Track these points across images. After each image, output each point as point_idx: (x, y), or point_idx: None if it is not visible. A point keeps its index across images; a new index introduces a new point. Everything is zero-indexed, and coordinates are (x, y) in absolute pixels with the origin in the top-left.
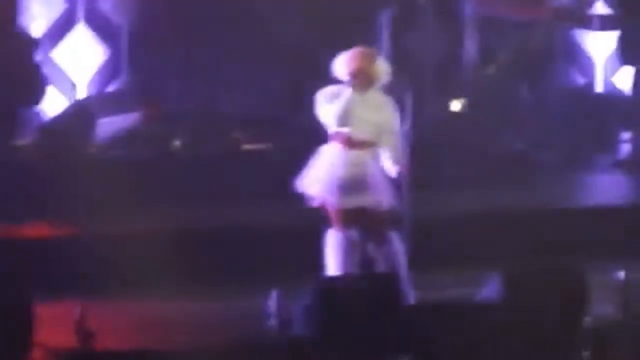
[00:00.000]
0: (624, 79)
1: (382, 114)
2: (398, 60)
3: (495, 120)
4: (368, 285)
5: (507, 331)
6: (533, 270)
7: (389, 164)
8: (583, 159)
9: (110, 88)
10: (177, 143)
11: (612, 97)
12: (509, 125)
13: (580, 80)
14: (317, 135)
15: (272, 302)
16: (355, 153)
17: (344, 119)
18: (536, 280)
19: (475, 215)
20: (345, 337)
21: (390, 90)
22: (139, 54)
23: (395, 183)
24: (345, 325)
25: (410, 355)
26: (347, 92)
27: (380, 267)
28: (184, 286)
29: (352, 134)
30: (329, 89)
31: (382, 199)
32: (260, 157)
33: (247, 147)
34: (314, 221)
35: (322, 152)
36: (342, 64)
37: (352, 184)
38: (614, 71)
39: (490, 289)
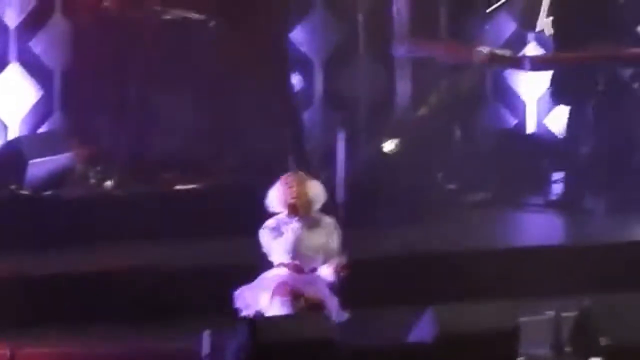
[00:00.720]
0: (555, 120)
1: (326, 237)
2: (331, 102)
3: (428, 161)
4: (301, 324)
5: None
6: (465, 310)
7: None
8: (514, 200)
9: (43, 128)
10: (109, 183)
11: (544, 137)
12: (441, 166)
13: (512, 121)
14: (246, 175)
15: (205, 342)
16: (303, 277)
17: (294, 251)
18: (468, 320)
19: (408, 256)
20: None
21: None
22: (71, 95)
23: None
24: None
25: None
26: (292, 224)
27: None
28: (115, 327)
29: (300, 263)
30: (270, 223)
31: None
32: (192, 197)
33: (178, 187)
34: (246, 260)
35: (265, 278)
36: (276, 198)
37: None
38: (546, 112)
39: (422, 330)
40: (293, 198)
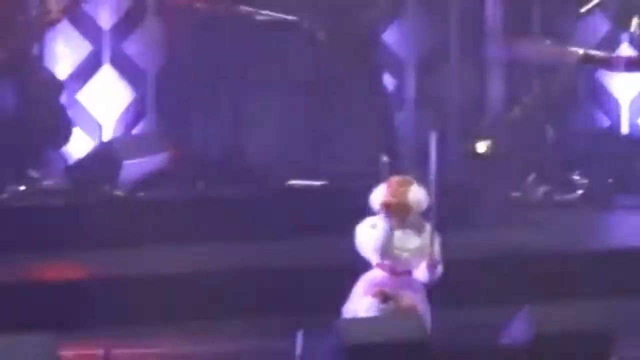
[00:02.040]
0: None
1: (421, 241)
2: (424, 103)
3: (521, 162)
4: (393, 326)
5: None
6: (561, 312)
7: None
8: (608, 201)
9: (136, 130)
10: (201, 184)
11: (637, 138)
12: (535, 167)
13: (606, 122)
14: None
15: (299, 342)
16: (400, 279)
17: (382, 251)
18: (564, 322)
19: (501, 257)
20: None
21: None
22: (164, 96)
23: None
24: None
25: None
26: (383, 224)
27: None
28: (211, 326)
29: (393, 265)
30: (367, 221)
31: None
32: (282, 197)
33: (269, 189)
34: (342, 262)
35: (364, 279)
36: (377, 197)
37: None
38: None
39: (516, 331)
40: (388, 197)
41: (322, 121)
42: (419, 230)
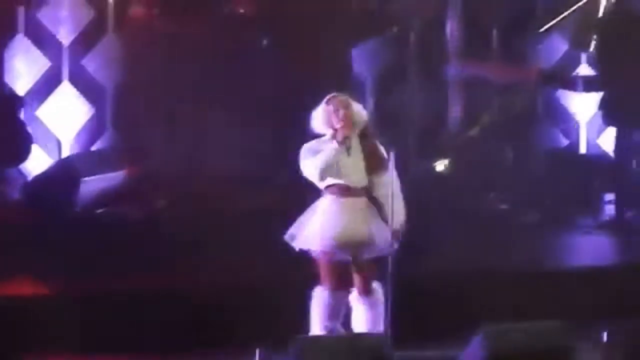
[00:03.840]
0: (608, 140)
1: (366, 160)
2: (382, 122)
3: (479, 181)
4: (351, 344)
5: None
6: (518, 332)
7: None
8: (566, 221)
9: (95, 146)
10: (162, 202)
11: (596, 158)
12: (493, 186)
13: (564, 142)
14: (303, 193)
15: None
16: (349, 201)
17: (330, 170)
18: (521, 342)
19: (458, 275)
20: None
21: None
22: (123, 112)
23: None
24: None
25: None
26: (330, 144)
27: (362, 318)
28: (171, 347)
29: (342, 184)
30: (311, 144)
31: (378, 245)
32: (244, 215)
33: (229, 206)
34: (299, 279)
35: (315, 206)
36: (320, 119)
37: (347, 233)
38: (598, 132)
39: (473, 351)
40: (339, 122)
41: (281, 137)
42: (362, 148)
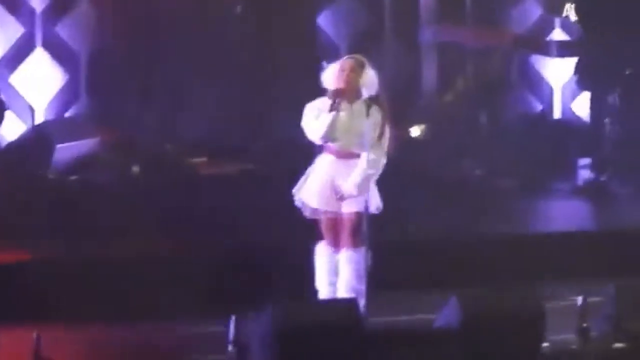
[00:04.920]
0: (582, 105)
1: (369, 123)
2: None
3: (454, 147)
4: (326, 310)
5: (464, 357)
6: (491, 296)
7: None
8: (541, 185)
9: (69, 113)
10: (135, 169)
11: (571, 123)
12: (468, 152)
13: (539, 107)
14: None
15: (231, 328)
16: (347, 162)
17: (333, 131)
18: (494, 306)
19: (434, 241)
20: None
21: None
22: (97, 79)
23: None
24: (304, 351)
25: None
26: (332, 106)
27: (347, 279)
28: (141, 311)
29: (341, 146)
30: (317, 103)
31: (370, 204)
32: (218, 182)
33: (204, 172)
34: (273, 246)
35: (316, 163)
36: (329, 77)
37: (327, 189)
38: (572, 97)
39: (447, 315)
40: (342, 83)
41: (255, 104)
42: (366, 113)
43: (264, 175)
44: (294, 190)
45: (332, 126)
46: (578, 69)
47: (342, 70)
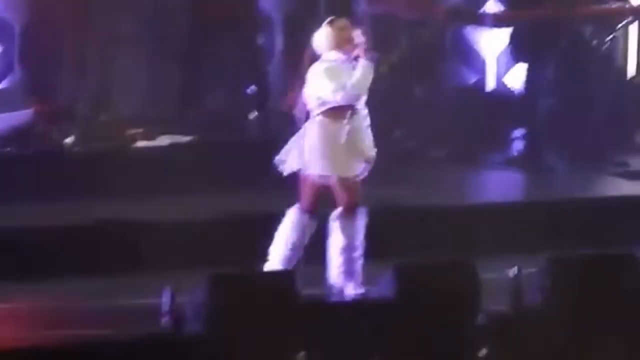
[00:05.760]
0: (515, 77)
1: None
2: (292, 59)
3: (387, 118)
4: (261, 281)
5: (400, 328)
6: (425, 268)
7: None
8: (474, 157)
9: (3, 84)
10: (68, 140)
11: (504, 94)
12: (401, 123)
13: (472, 78)
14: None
15: (165, 299)
16: (348, 121)
17: (363, 87)
18: (428, 277)
19: (368, 212)
20: (238, 335)
21: None
22: (31, 50)
23: None
24: (239, 323)
25: (305, 353)
26: (348, 63)
27: (340, 238)
28: (75, 282)
29: (352, 100)
30: (326, 65)
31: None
32: (153, 154)
33: (139, 144)
34: (208, 215)
35: (309, 128)
36: (327, 39)
37: (346, 153)
38: (505, 69)
39: (382, 286)
40: (353, 41)
41: (191, 74)
42: (359, 64)
43: (199, 145)
44: (277, 159)
45: (367, 77)
46: (512, 40)
47: (341, 29)
